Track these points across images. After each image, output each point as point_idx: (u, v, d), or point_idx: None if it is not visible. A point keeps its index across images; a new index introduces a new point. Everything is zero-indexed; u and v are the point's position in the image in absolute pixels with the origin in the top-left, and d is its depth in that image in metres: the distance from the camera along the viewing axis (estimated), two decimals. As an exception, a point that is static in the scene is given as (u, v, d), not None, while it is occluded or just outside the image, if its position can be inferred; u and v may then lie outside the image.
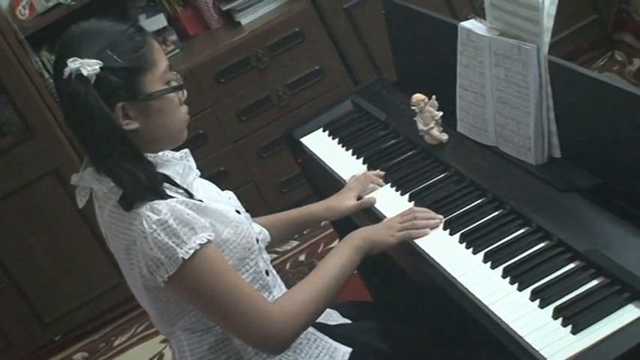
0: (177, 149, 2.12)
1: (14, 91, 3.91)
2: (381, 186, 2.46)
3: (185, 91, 2.07)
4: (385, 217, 2.32)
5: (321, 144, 2.82)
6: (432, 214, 2.21)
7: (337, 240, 3.89)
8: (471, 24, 2.36)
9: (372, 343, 2.25)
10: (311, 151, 2.82)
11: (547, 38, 2.11)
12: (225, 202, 2.16)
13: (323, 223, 4.07)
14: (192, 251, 1.90)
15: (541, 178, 2.18)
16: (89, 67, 1.90)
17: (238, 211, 2.14)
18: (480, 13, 2.42)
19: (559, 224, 1.99)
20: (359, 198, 2.44)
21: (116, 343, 4.19)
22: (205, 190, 2.15)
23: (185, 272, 1.91)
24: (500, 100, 2.29)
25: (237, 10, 4.26)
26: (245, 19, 4.25)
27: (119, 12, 4.20)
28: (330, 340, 2.18)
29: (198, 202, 2.00)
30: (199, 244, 1.91)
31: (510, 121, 2.27)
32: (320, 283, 2.06)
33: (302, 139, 2.88)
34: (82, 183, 2.03)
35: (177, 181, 2.02)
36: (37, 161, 4.02)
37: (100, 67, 1.91)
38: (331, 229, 3.83)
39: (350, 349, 2.18)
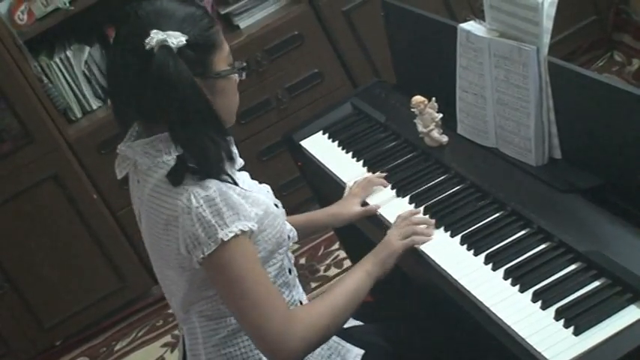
0: None
1: (13, 97, 3.90)
2: (385, 186, 2.46)
3: (242, 75, 2.12)
4: (387, 219, 2.32)
5: (321, 147, 2.82)
6: (427, 219, 2.23)
7: (337, 243, 3.89)
8: (470, 25, 2.36)
9: (383, 344, 2.26)
10: (311, 154, 2.81)
11: (547, 39, 2.11)
12: (264, 194, 2.18)
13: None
14: (231, 235, 1.91)
15: (542, 180, 2.18)
16: (175, 38, 1.92)
17: (276, 205, 2.17)
18: (478, 15, 2.42)
19: (560, 225, 1.99)
20: (363, 203, 2.45)
21: (117, 347, 4.18)
22: (245, 181, 2.17)
23: (220, 254, 1.92)
24: (500, 101, 2.29)
25: (236, 14, 4.25)
26: (243, 23, 4.24)
27: (118, 16, 4.19)
28: (343, 342, 2.19)
29: (245, 191, 2.02)
30: (241, 229, 1.93)
31: (510, 123, 2.27)
32: (335, 304, 2.05)
33: (302, 142, 2.88)
34: (129, 154, 2.04)
35: (225, 168, 2.03)
36: (37, 167, 4.01)
37: (186, 40, 1.93)
38: (331, 233, 3.83)
39: (362, 352, 2.19)
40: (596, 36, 4.44)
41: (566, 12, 4.13)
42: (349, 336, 2.21)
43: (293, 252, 4.05)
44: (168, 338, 4.02)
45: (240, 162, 2.16)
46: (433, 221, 2.21)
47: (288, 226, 2.20)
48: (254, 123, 4.19)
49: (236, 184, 2.02)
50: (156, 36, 1.91)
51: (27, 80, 3.93)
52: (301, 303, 2.19)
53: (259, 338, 1.97)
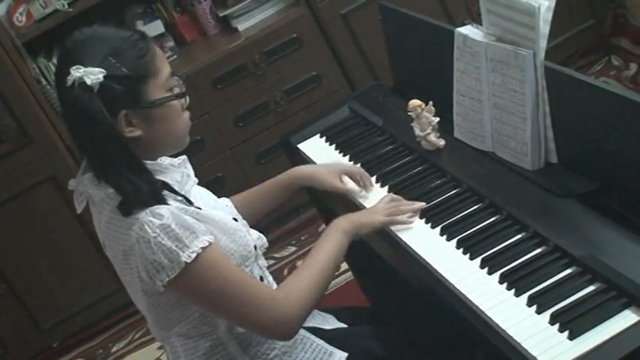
0: (175, 155, 2.14)
1: (11, 98, 3.91)
2: (366, 187, 2.46)
3: (187, 97, 2.07)
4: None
5: (318, 150, 2.82)
6: (416, 203, 2.28)
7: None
8: (468, 30, 2.36)
9: (368, 347, 2.25)
10: (308, 157, 2.82)
11: (543, 44, 2.11)
12: (222, 209, 2.18)
13: (320, 229, 4.06)
14: (194, 255, 1.91)
15: (538, 184, 2.18)
16: (93, 75, 1.89)
17: (235, 219, 2.16)
18: (476, 19, 2.42)
19: (556, 230, 2.00)
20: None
21: (114, 349, 4.19)
22: (202, 197, 2.16)
23: (188, 275, 1.92)
24: (496, 105, 2.30)
25: (234, 16, 4.26)
26: (242, 25, 4.25)
27: (116, 18, 4.20)
28: (326, 345, 2.19)
29: (197, 210, 2.01)
30: (201, 247, 1.93)
31: (507, 127, 2.27)
32: (316, 268, 2.09)
33: (299, 145, 2.89)
34: (80, 188, 2.03)
35: (176, 189, 2.03)
36: (35, 168, 4.02)
37: (104, 76, 1.90)
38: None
39: (346, 354, 2.19)
40: (594, 40, 4.45)
41: (564, 16, 4.16)
42: (333, 338, 2.21)
43: (290, 254, 4.11)
44: (165, 340, 4.03)
45: (194, 180, 2.16)
46: (422, 204, 2.27)
47: (255, 235, 2.20)
48: (252, 126, 4.19)
49: (190, 203, 2.03)
50: (75, 73, 1.90)
51: (25, 82, 3.94)
52: None
53: (259, 328, 2.03)
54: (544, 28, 2.09)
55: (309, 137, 2.90)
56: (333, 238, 2.17)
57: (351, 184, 2.47)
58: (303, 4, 4.14)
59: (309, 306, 2.06)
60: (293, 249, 4.18)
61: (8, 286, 4.13)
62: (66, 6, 3.98)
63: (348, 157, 2.69)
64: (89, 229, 4.05)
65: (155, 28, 4.22)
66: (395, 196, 2.34)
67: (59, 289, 4.19)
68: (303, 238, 4.20)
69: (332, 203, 2.56)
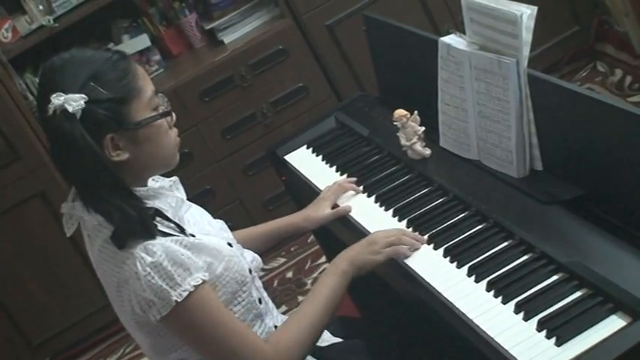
0: (167, 175, 2.10)
1: (-2, 114, 3.91)
2: (356, 191, 2.49)
3: (174, 115, 2.03)
4: (369, 232, 2.32)
5: (305, 161, 2.83)
6: (418, 236, 2.20)
7: (324, 257, 3.90)
8: (451, 39, 2.37)
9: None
10: (295, 169, 2.82)
11: (526, 52, 2.13)
12: (216, 233, 2.13)
13: (309, 240, 4.07)
14: (185, 293, 1.88)
15: (523, 191, 2.19)
16: (74, 102, 1.85)
17: (230, 244, 2.11)
18: (461, 28, 2.43)
19: (542, 237, 2.00)
20: (334, 207, 2.47)
21: (105, 364, 4.19)
22: (196, 222, 2.12)
23: (178, 313, 1.89)
24: (481, 114, 2.31)
25: (220, 29, 4.27)
26: (228, 38, 4.26)
27: (102, 33, 4.21)
28: None
29: (192, 239, 1.97)
30: (194, 285, 1.89)
31: (492, 135, 2.28)
32: (311, 315, 2.05)
33: (286, 157, 2.89)
34: (74, 212, 1.99)
35: (169, 215, 1.98)
36: (23, 184, 4.01)
37: (86, 102, 1.86)
38: (317, 246, 3.83)
39: None
40: (579, 46, 4.46)
41: (548, 23, 4.17)
42: (329, 357, 2.19)
43: (280, 266, 4.11)
44: (156, 354, 4.02)
45: (187, 205, 2.12)
46: (425, 239, 2.19)
47: (249, 257, 2.17)
48: (239, 138, 4.19)
49: (183, 230, 1.98)
50: (55, 101, 1.85)
51: (12, 98, 3.93)
52: (276, 327, 2.15)
53: None
54: (526, 36, 2.10)
55: (296, 149, 2.91)
56: (331, 280, 2.11)
57: (342, 204, 2.48)
58: (288, 15, 4.15)
59: (299, 356, 2.02)
60: (282, 260, 4.18)
61: (-2, 302, 4.12)
62: (52, 21, 3.98)
63: (334, 167, 2.69)
64: (78, 245, 4.06)
65: (141, 41, 4.22)
66: (404, 229, 2.24)
67: (49, 305, 4.18)
68: (292, 249, 4.20)
69: (335, 230, 2.54)
